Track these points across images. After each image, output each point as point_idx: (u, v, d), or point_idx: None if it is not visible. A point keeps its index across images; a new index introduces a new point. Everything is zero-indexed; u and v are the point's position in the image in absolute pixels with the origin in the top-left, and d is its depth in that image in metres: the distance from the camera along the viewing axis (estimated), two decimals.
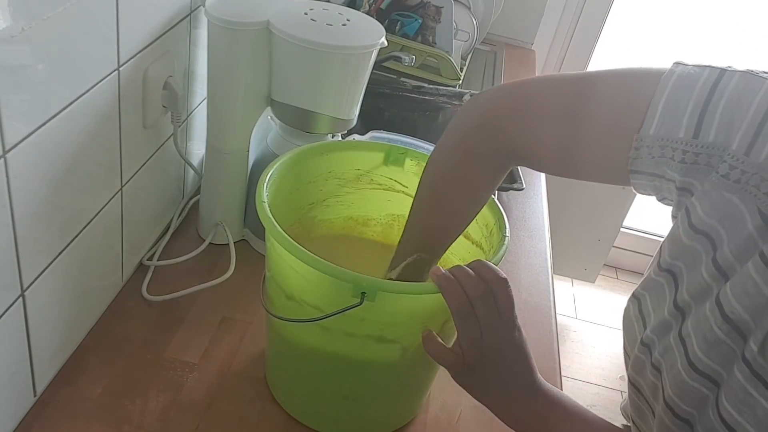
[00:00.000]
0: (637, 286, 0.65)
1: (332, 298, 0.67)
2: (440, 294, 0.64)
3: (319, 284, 0.68)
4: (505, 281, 0.64)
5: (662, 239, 0.63)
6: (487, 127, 0.70)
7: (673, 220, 0.61)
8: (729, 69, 0.56)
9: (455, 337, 0.66)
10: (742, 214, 0.54)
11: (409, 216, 0.77)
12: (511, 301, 0.64)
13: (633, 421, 0.69)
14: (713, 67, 0.57)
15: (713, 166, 0.55)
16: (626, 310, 0.66)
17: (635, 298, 0.65)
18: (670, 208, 0.62)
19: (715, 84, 0.55)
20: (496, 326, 0.64)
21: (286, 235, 0.67)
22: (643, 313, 0.63)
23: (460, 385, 0.68)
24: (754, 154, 0.52)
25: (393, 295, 0.66)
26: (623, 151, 0.59)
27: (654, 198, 0.63)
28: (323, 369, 0.76)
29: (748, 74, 0.55)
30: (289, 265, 0.69)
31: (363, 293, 0.64)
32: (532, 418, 0.67)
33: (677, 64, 0.59)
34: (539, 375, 0.68)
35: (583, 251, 2.44)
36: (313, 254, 0.65)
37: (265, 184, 0.74)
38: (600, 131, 0.62)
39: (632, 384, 0.66)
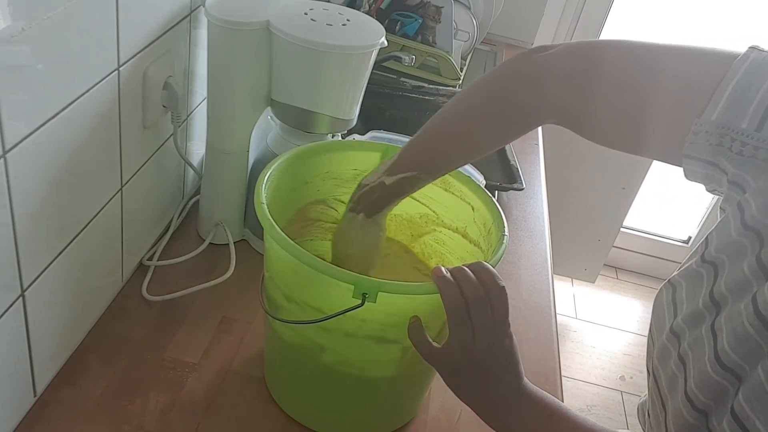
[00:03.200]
0: (665, 277, 0.63)
1: (333, 299, 0.66)
2: (438, 292, 0.64)
3: (319, 285, 0.68)
4: (502, 289, 0.63)
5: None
6: (536, 82, 0.68)
7: (721, 213, 0.59)
8: None
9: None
10: None
11: (422, 132, 0.75)
12: (505, 309, 0.64)
13: (648, 413, 0.69)
14: None
15: None
16: (659, 295, 0.65)
17: (670, 284, 0.64)
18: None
19: None
20: (489, 332, 0.63)
21: (285, 236, 0.67)
22: (675, 301, 0.62)
23: (447, 384, 0.68)
24: None
25: (394, 295, 0.66)
26: (682, 132, 0.57)
27: (704, 188, 0.61)
28: (323, 370, 0.76)
29: None
30: (289, 267, 0.69)
31: (364, 294, 0.64)
32: (514, 421, 0.67)
33: (753, 48, 0.56)
34: (526, 380, 0.67)
35: (583, 251, 2.44)
36: (313, 255, 0.65)
37: (263, 185, 0.74)
38: (662, 109, 0.60)
39: (652, 374, 0.65)
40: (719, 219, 0.60)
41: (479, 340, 0.63)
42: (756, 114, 0.53)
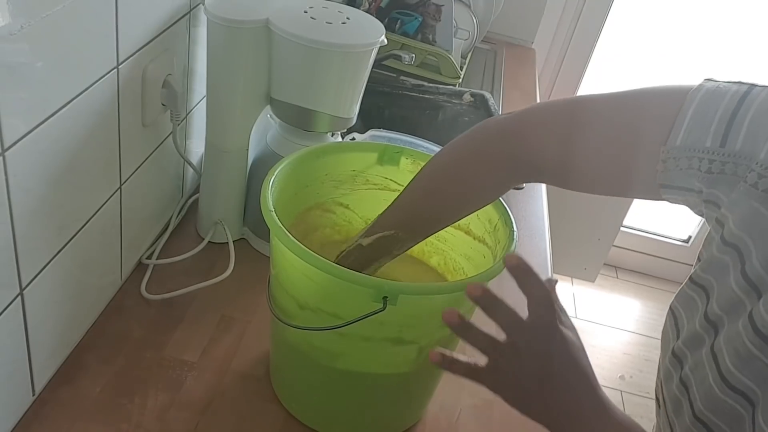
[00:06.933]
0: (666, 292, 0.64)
1: (351, 304, 0.66)
2: (458, 290, 0.63)
3: (337, 291, 0.67)
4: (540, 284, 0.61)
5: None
6: (515, 134, 0.69)
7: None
8: (758, 85, 0.56)
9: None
10: None
11: (402, 192, 0.76)
12: (546, 307, 0.62)
13: None
14: (742, 82, 0.57)
15: (740, 175, 0.55)
16: (664, 324, 0.66)
17: (671, 311, 0.65)
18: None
19: (744, 96, 0.55)
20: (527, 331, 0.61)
21: (300, 244, 0.65)
22: (678, 326, 0.63)
23: (517, 408, 0.60)
24: None
25: (414, 297, 0.65)
26: (652, 165, 0.59)
27: (660, 201, 0.63)
28: (336, 374, 0.75)
29: None
30: (303, 274, 0.68)
31: (385, 298, 0.63)
32: None
33: (707, 80, 0.59)
34: (609, 401, 0.60)
35: (583, 250, 2.44)
36: (330, 261, 0.64)
37: (269, 192, 0.73)
38: (629, 148, 0.62)
39: (659, 399, 0.65)
40: (705, 239, 0.61)
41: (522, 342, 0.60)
42: (718, 131, 0.55)
